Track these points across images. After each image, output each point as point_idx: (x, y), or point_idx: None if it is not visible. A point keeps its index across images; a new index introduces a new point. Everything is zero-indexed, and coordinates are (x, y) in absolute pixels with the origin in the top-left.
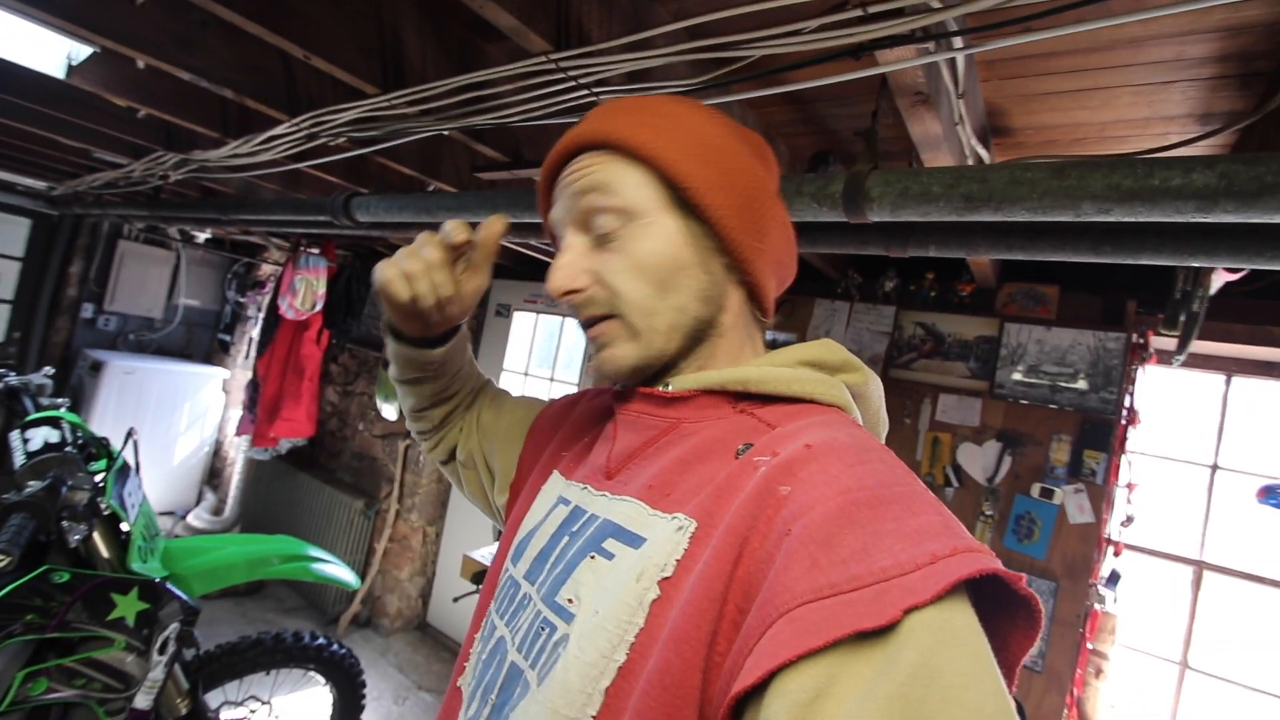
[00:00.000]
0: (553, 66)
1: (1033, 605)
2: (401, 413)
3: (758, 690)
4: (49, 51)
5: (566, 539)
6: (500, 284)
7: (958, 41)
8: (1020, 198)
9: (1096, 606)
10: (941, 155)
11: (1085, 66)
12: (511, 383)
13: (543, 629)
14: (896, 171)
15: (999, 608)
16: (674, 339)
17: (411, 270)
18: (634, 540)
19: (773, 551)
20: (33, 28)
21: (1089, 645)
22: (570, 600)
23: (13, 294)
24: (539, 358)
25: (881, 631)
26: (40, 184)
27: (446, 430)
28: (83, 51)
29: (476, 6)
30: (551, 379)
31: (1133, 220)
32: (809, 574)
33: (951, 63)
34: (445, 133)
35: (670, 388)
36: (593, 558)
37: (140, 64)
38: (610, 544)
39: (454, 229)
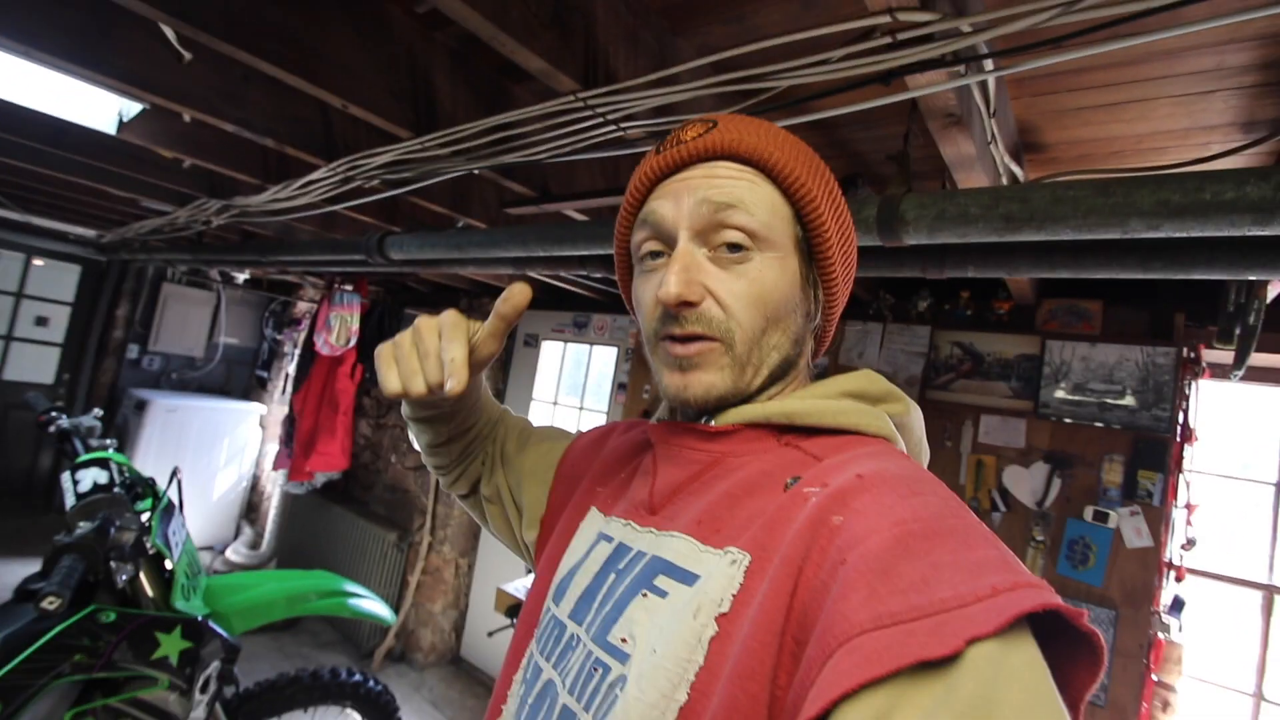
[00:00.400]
0: (581, 105)
1: (1095, 642)
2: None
3: None
4: (101, 109)
5: (613, 577)
6: (529, 315)
7: (988, 63)
8: (1064, 216)
9: (1160, 635)
10: (975, 175)
11: (1120, 80)
12: (540, 412)
13: (595, 669)
14: (932, 194)
15: (1060, 645)
16: (762, 375)
17: (425, 368)
18: (687, 577)
19: (828, 581)
20: (87, 88)
21: (1154, 677)
22: (624, 640)
23: (63, 337)
24: (567, 386)
25: (943, 662)
26: (90, 232)
27: (467, 464)
28: (133, 108)
29: (508, 52)
30: (580, 407)
31: (1182, 236)
32: (868, 603)
33: (983, 84)
34: (475, 171)
35: (715, 421)
36: (645, 595)
37: (186, 118)
38: (662, 581)
39: (474, 334)
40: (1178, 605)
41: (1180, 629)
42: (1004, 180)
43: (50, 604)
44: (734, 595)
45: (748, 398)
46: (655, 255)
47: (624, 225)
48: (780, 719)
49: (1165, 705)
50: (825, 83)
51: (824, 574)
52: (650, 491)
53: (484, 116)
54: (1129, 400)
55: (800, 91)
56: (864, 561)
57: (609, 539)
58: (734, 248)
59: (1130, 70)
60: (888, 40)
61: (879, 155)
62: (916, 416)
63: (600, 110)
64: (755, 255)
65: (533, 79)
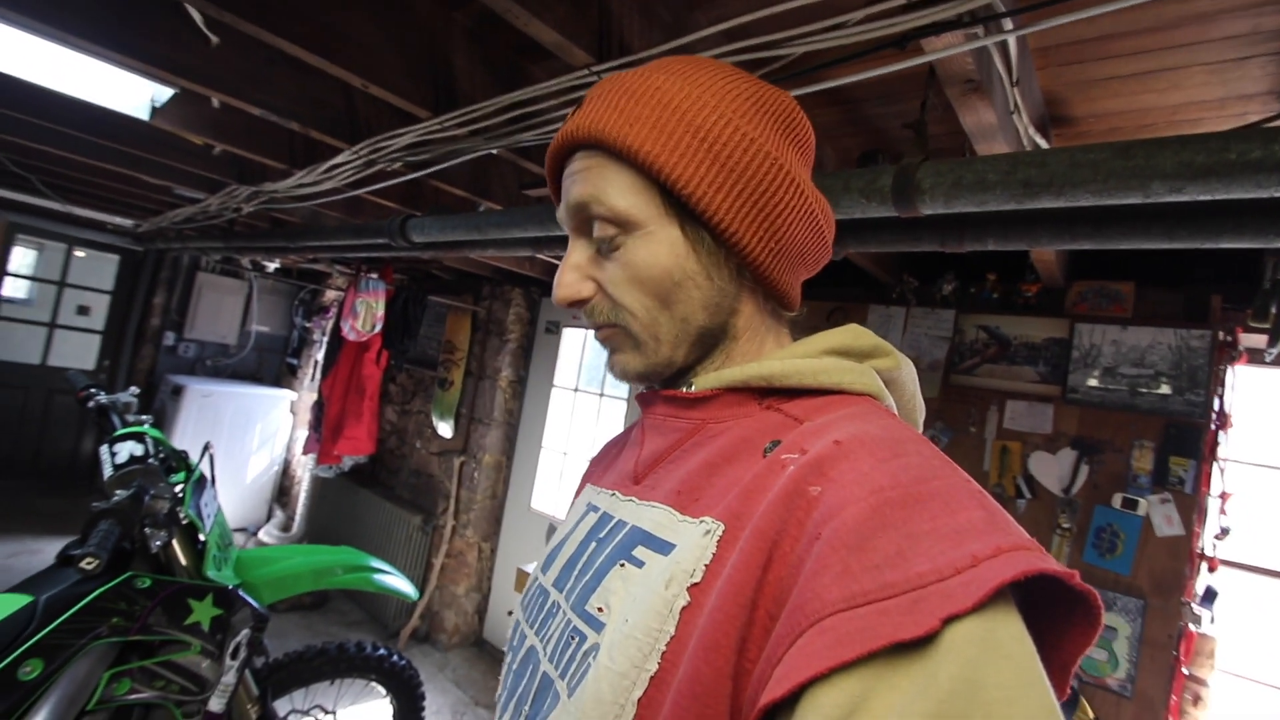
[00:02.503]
0: (595, 79)
1: (1091, 601)
2: (456, 430)
3: (788, 701)
4: (135, 96)
5: (594, 545)
6: (550, 301)
7: (1007, 24)
8: (1083, 180)
9: (1191, 627)
10: (997, 145)
11: (1149, 48)
12: (561, 399)
13: (573, 638)
14: (948, 161)
15: (1054, 604)
16: (680, 349)
17: None
18: (663, 547)
19: (803, 556)
20: (122, 74)
21: (1184, 670)
22: (600, 609)
23: (103, 325)
24: (588, 375)
25: (919, 643)
26: (127, 222)
27: None
28: (164, 94)
29: (521, 24)
30: (601, 394)
31: (1210, 199)
32: (840, 581)
33: (1003, 47)
34: (494, 152)
35: (693, 388)
36: (622, 565)
37: (215, 103)
38: (640, 551)
39: None
40: (1210, 596)
41: (1213, 621)
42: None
43: (89, 564)
44: (706, 565)
45: (685, 368)
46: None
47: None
48: (746, 693)
49: (1196, 699)
50: (840, 48)
51: (800, 548)
52: (636, 461)
53: (501, 94)
54: (1163, 386)
55: (815, 59)
56: (837, 535)
57: (595, 509)
58: (605, 235)
59: (1160, 36)
60: (904, 1)
61: (900, 131)
62: (908, 371)
63: None
64: (623, 238)
65: (549, 58)
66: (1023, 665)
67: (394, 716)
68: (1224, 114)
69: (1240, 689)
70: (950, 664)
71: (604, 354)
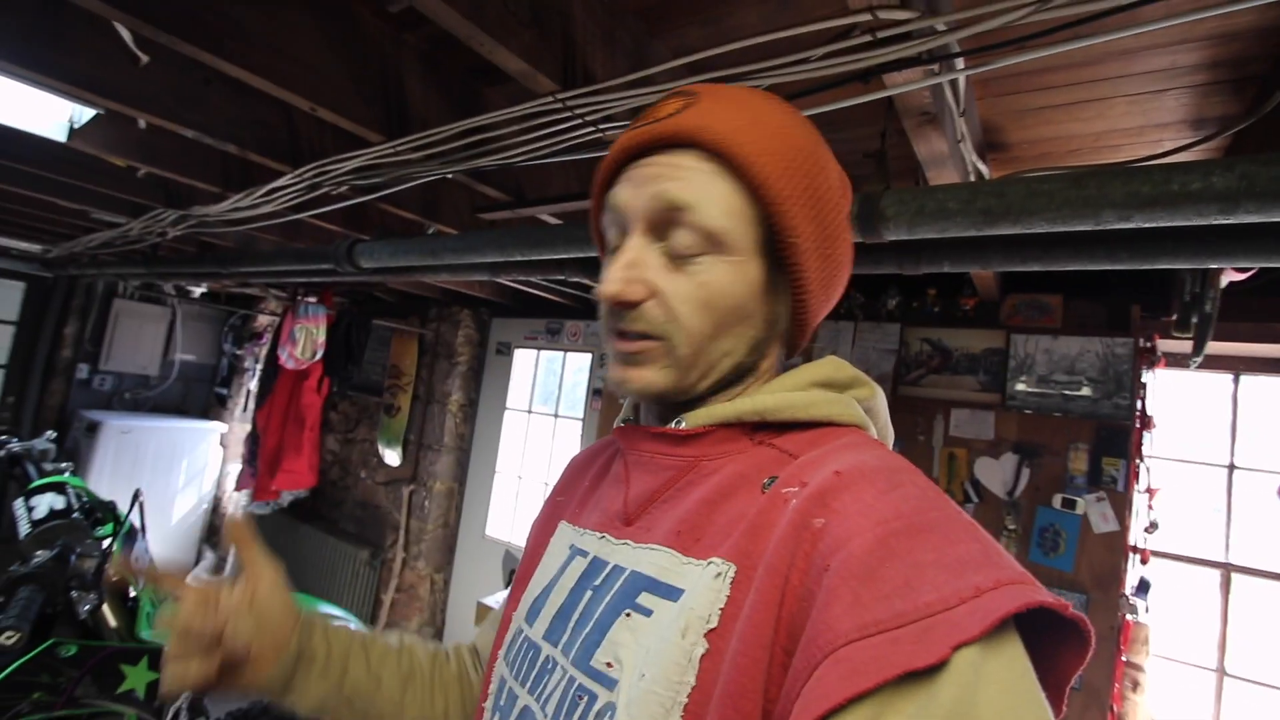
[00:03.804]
0: (560, 106)
1: (1082, 626)
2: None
3: None
4: (51, 115)
5: (590, 594)
6: (500, 322)
7: (959, 62)
8: (1039, 209)
9: (1129, 617)
10: (946, 172)
11: (1079, 80)
12: (515, 421)
13: (580, 697)
14: (911, 190)
15: (1047, 628)
16: (709, 378)
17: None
18: (670, 592)
19: (813, 588)
20: (34, 93)
21: (1123, 658)
22: (609, 664)
23: (6, 358)
24: (542, 395)
25: (928, 669)
26: (35, 247)
27: (450, 713)
28: (85, 114)
29: (486, 52)
30: (555, 415)
31: (1150, 226)
32: (852, 611)
33: (954, 83)
34: (449, 175)
35: (684, 424)
36: (629, 615)
37: (142, 124)
38: (645, 599)
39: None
40: (1144, 587)
41: (1147, 610)
42: (972, 178)
43: (9, 639)
44: (721, 609)
45: (694, 399)
46: (619, 233)
47: (595, 206)
48: None
49: (1135, 685)
50: (805, 81)
51: (809, 581)
52: (624, 501)
53: (456, 120)
54: (1092, 391)
55: (780, 91)
56: (846, 567)
57: (583, 553)
58: (685, 245)
59: (1089, 70)
60: (867, 38)
61: (850, 157)
62: (881, 400)
63: (579, 111)
64: (707, 257)
65: (505, 82)
66: (1018, 687)
67: None
68: (1142, 141)
69: (1174, 672)
70: (951, 687)
71: (560, 373)
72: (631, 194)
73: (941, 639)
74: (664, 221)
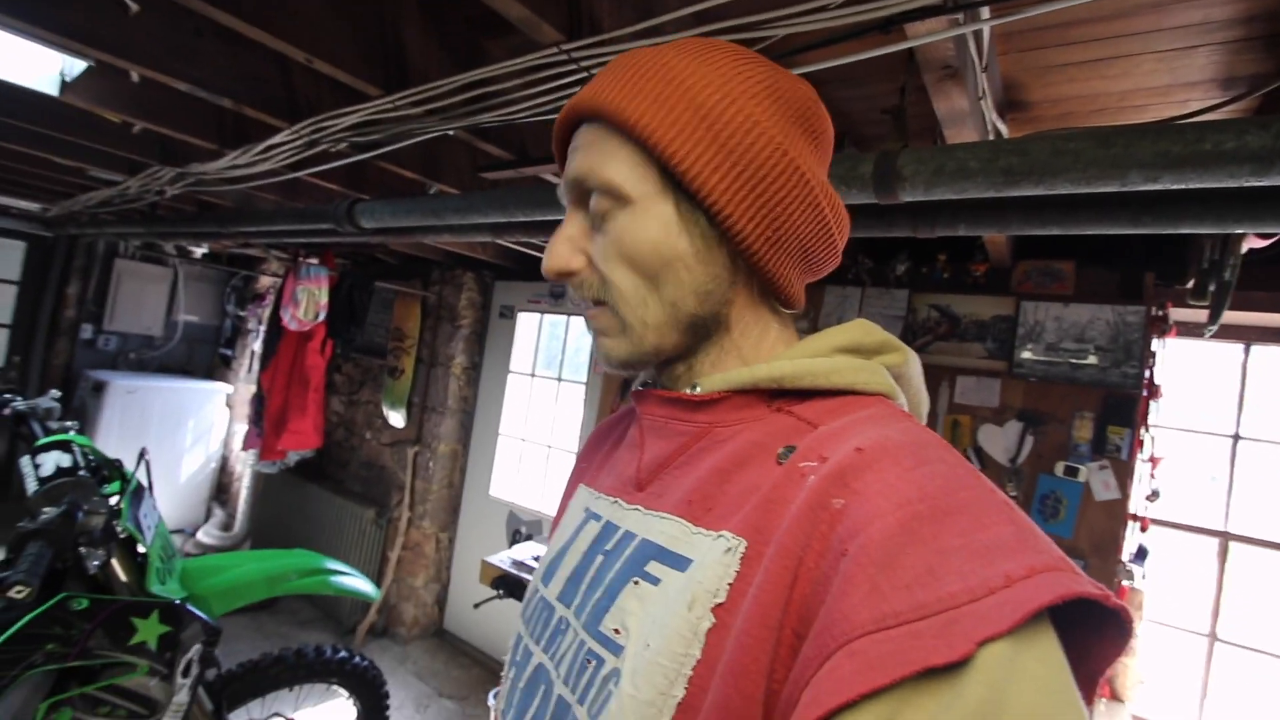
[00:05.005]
0: (565, 58)
1: (1122, 616)
2: (408, 419)
3: None
4: (42, 68)
5: (601, 559)
6: (504, 285)
7: (985, 11)
8: (1064, 169)
9: (1124, 583)
10: (965, 131)
11: (1106, 35)
12: (518, 385)
13: (589, 661)
14: (930, 149)
15: (1082, 616)
16: (668, 336)
17: None
18: (679, 562)
19: (829, 573)
20: (25, 44)
21: None
22: (617, 631)
23: (10, 318)
24: (545, 359)
25: (952, 666)
26: (34, 206)
27: None
28: (76, 67)
29: None
30: (559, 378)
31: (1177, 188)
32: (870, 600)
33: (978, 34)
34: (450, 133)
35: (699, 389)
36: (636, 583)
37: (135, 77)
38: (654, 567)
39: None
40: (1141, 554)
41: (1144, 576)
42: (991, 138)
43: (19, 593)
44: (730, 584)
45: (675, 358)
46: None
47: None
48: (775, 716)
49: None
50: (821, 31)
51: (825, 565)
52: (638, 466)
53: (458, 73)
54: (1101, 359)
55: (796, 41)
56: (865, 552)
57: (597, 517)
58: (598, 208)
59: (1118, 24)
60: None
61: (865, 115)
62: (915, 365)
63: (584, 64)
64: (616, 212)
65: (507, 34)
66: (1051, 683)
67: (358, 717)
68: (1168, 101)
69: (1166, 636)
70: (978, 685)
71: (564, 337)
72: (563, 172)
73: (966, 633)
74: (582, 194)
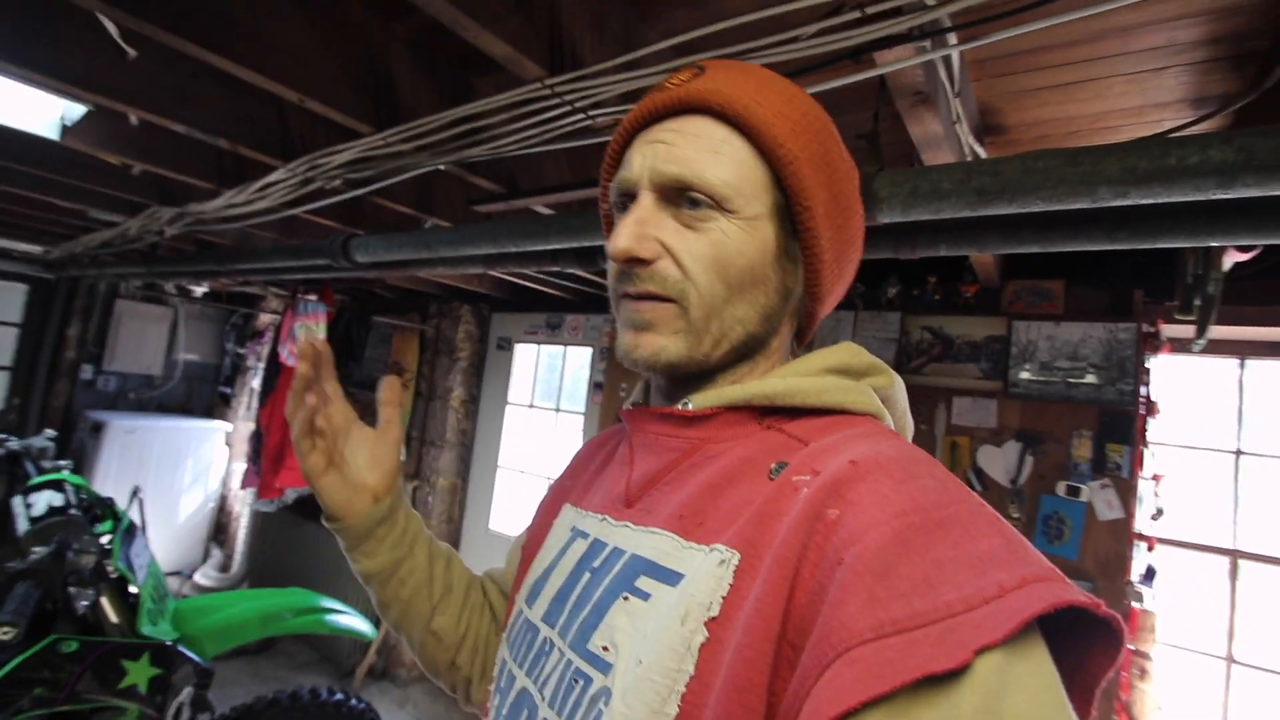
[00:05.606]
0: (548, 92)
1: (1114, 626)
2: (407, 454)
3: None
4: (43, 113)
5: (588, 576)
6: (500, 317)
7: (952, 38)
8: (1035, 187)
9: (1134, 605)
10: (942, 155)
11: (1075, 59)
12: (517, 416)
13: (576, 681)
14: (904, 171)
15: (1074, 626)
16: (721, 348)
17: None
18: (670, 577)
19: (825, 582)
20: (27, 90)
21: (1130, 646)
22: (606, 648)
23: (11, 360)
24: (543, 390)
25: (949, 675)
26: (36, 248)
27: (468, 637)
28: (77, 111)
29: (470, 37)
30: (557, 409)
31: (1148, 203)
32: (868, 609)
33: (947, 60)
34: (441, 167)
35: (690, 406)
36: (626, 599)
37: (134, 119)
38: (644, 582)
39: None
40: (1150, 574)
41: (1153, 597)
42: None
43: (5, 634)
44: (723, 598)
45: (707, 372)
46: (623, 207)
47: (606, 175)
48: None
49: (1143, 673)
50: (796, 61)
51: (821, 574)
52: (627, 482)
53: (446, 110)
54: (1095, 377)
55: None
56: (861, 561)
57: (584, 535)
58: (695, 204)
59: (1086, 48)
60: (857, 14)
61: (844, 141)
62: (900, 389)
63: (568, 97)
64: (719, 217)
65: (495, 72)
66: (1046, 698)
67: None
68: (1141, 121)
69: (1181, 659)
70: (973, 695)
71: (561, 367)
72: (641, 159)
73: (963, 642)
74: (675, 184)
